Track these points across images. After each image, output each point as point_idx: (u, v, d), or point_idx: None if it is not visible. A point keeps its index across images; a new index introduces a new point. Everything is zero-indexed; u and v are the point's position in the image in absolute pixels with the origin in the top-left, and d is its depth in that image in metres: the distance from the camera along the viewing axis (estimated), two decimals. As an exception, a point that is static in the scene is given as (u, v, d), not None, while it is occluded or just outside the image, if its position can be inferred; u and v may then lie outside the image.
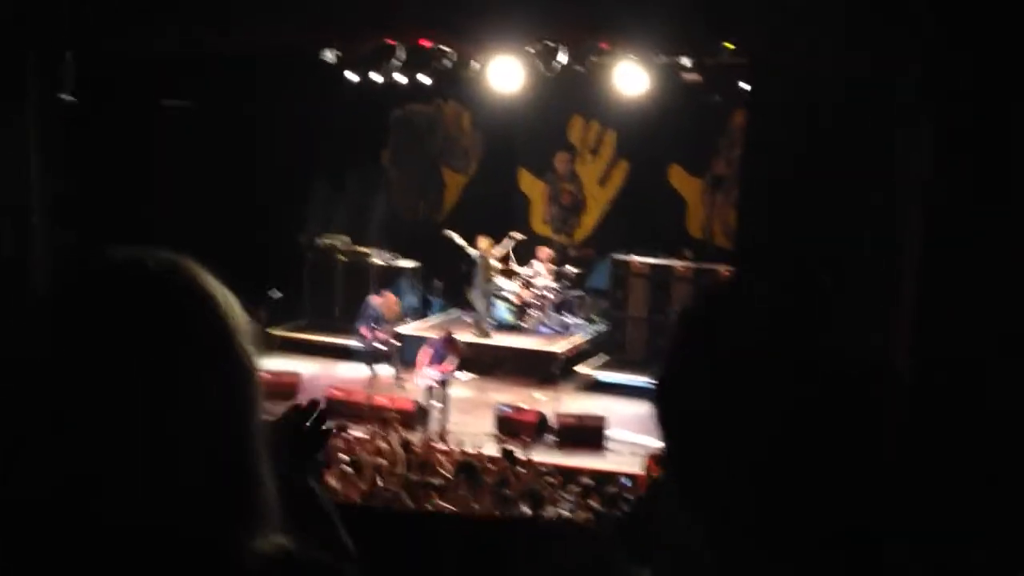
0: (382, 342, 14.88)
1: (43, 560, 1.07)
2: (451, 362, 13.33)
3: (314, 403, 1.91)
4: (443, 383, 13.16)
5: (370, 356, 14.89)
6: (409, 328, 15.95)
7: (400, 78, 15.90)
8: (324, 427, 1.84)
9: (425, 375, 13.20)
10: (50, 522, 1.07)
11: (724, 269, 14.45)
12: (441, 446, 10.82)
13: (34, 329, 1.13)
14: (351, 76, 16.01)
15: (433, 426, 12.71)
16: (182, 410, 1.10)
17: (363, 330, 14.93)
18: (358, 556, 1.44)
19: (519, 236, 16.17)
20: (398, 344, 15.02)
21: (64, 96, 11.53)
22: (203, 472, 1.11)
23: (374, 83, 16.16)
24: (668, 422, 1.16)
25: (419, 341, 14.97)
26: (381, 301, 15.26)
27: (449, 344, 13.49)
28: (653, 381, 1.18)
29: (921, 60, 8.07)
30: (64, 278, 1.16)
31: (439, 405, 13.05)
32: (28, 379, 1.10)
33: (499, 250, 15.90)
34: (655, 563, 1.14)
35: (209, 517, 1.11)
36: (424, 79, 16.06)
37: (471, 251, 15.87)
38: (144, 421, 1.08)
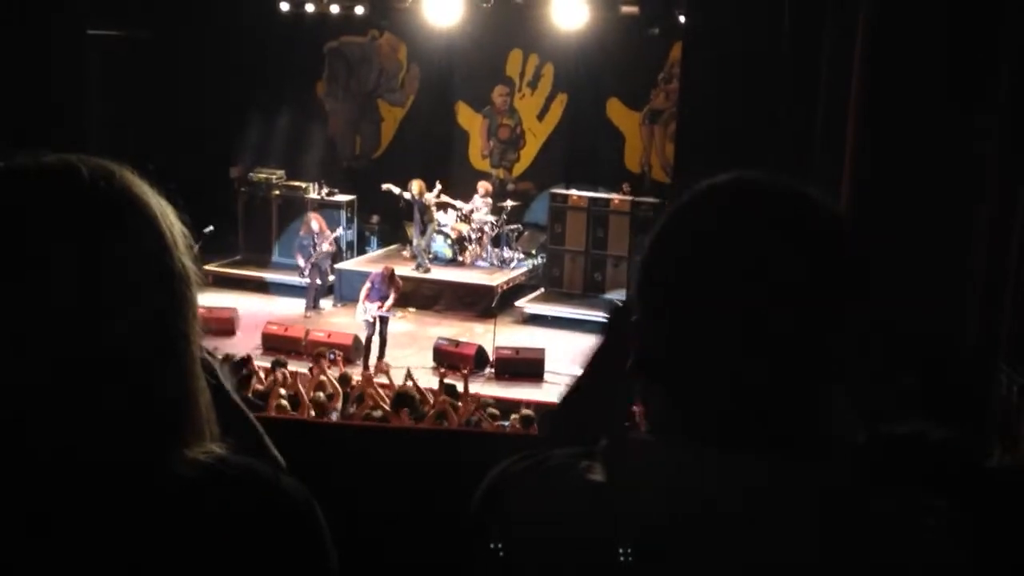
0: (317, 263, 14.87)
1: None
2: (390, 298, 13.32)
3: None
4: (382, 318, 13.16)
5: (312, 290, 14.85)
6: (348, 263, 15.88)
7: (334, 8, 15.66)
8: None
9: (365, 310, 13.18)
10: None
11: (663, 203, 14.56)
12: (381, 379, 10.81)
13: None
14: (284, 5, 15.74)
15: (372, 360, 12.74)
16: (117, 319, 1.07)
17: (301, 259, 14.88)
18: (286, 468, 1.44)
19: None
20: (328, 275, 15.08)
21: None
22: (139, 383, 1.09)
23: (307, 13, 15.91)
24: (647, 297, 1.15)
25: (358, 276, 14.98)
26: (312, 224, 15.19)
27: (388, 280, 13.46)
28: (640, 260, 1.18)
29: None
30: None
31: (378, 339, 13.07)
32: None
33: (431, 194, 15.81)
34: (607, 454, 1.13)
35: (145, 427, 1.09)
36: (359, 9, 15.83)
37: (407, 195, 15.77)
38: (78, 330, 1.06)
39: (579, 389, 1.63)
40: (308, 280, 14.88)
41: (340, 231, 16.01)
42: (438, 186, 15.76)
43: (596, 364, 1.58)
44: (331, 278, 15.36)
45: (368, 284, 13.42)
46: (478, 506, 1.20)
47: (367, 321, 13.13)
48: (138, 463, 1.09)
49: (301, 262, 14.86)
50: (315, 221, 15.26)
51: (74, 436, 1.06)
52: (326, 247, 15.10)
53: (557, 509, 1.13)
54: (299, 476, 1.19)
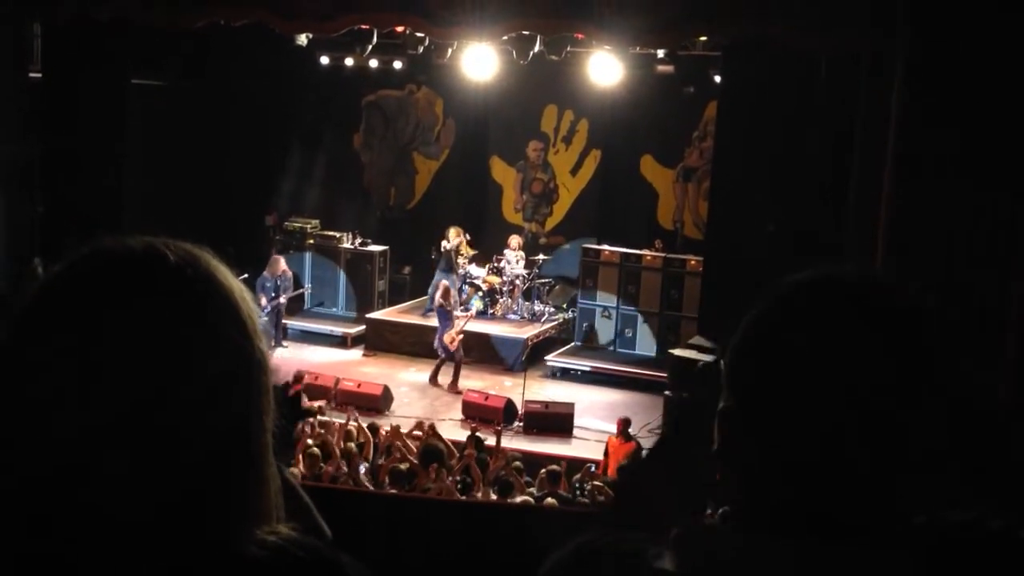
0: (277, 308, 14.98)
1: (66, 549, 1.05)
2: (459, 315, 14.14)
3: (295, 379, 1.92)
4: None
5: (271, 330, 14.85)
6: (378, 313, 15.96)
7: (373, 63, 15.91)
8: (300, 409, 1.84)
9: (450, 335, 13.87)
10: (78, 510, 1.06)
11: (693, 259, 14.55)
12: (416, 431, 10.79)
13: (42, 317, 1.10)
14: (324, 59, 16.01)
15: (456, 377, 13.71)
16: (200, 407, 1.09)
17: (264, 299, 14.78)
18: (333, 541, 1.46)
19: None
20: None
21: (31, 73, 11.43)
22: (214, 468, 1.10)
23: (346, 67, 16.17)
24: (737, 391, 1.16)
25: (388, 326, 15.26)
26: (273, 268, 15.26)
27: (446, 299, 14.10)
28: (727, 346, 1.19)
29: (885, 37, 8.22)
30: (78, 265, 1.12)
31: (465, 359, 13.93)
32: (40, 365, 1.06)
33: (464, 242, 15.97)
34: (678, 543, 1.12)
35: (217, 509, 1.11)
36: (397, 64, 16.07)
37: (445, 244, 15.91)
38: (159, 413, 1.07)
39: (645, 470, 1.63)
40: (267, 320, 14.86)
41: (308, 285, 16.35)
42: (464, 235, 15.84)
43: (664, 450, 1.58)
44: (284, 321, 15.49)
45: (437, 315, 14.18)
46: None
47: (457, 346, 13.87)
48: (208, 541, 1.10)
49: (263, 301, 14.78)
50: (284, 263, 15.37)
51: (148, 514, 1.07)
52: (291, 291, 15.23)
53: None
54: (343, 546, 1.21)
